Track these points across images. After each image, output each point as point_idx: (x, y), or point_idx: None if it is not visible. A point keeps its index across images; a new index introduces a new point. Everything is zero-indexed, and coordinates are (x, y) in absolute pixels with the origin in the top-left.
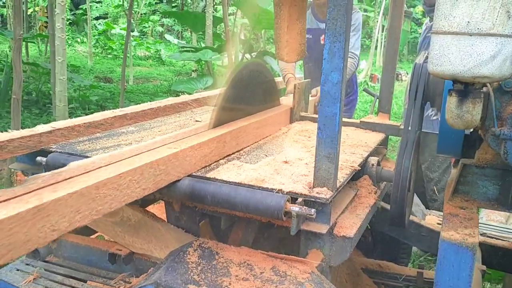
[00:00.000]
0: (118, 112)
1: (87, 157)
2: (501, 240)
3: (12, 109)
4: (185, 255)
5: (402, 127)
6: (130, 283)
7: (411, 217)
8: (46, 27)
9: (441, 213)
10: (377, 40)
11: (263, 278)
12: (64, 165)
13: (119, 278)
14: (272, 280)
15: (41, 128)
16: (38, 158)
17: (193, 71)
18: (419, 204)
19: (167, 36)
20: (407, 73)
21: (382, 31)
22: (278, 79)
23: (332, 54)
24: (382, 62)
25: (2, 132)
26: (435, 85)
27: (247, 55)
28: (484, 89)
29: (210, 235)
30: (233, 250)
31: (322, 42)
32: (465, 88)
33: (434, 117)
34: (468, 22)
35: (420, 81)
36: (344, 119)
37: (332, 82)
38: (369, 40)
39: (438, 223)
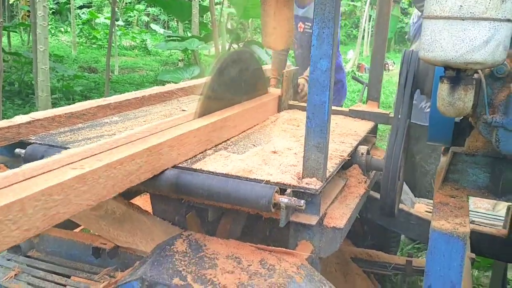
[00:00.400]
0: (101, 101)
1: (68, 148)
2: (490, 227)
3: None
4: (171, 249)
5: (392, 115)
6: (115, 277)
7: (400, 206)
8: (29, 16)
9: (430, 201)
10: (364, 30)
11: (251, 271)
12: (43, 157)
13: (103, 272)
14: (260, 273)
15: (20, 118)
16: (17, 150)
17: (179, 60)
18: (408, 192)
19: (153, 26)
20: (394, 63)
21: (369, 21)
22: (266, 67)
23: (321, 40)
24: (369, 52)
25: None
26: (425, 72)
27: (234, 45)
28: (476, 75)
29: (197, 228)
30: (221, 242)
31: (299, 29)
32: (457, 74)
33: (428, 109)
34: (461, 6)
35: (410, 68)
36: (333, 108)
37: (321, 69)
38: (356, 30)
39: (427, 211)
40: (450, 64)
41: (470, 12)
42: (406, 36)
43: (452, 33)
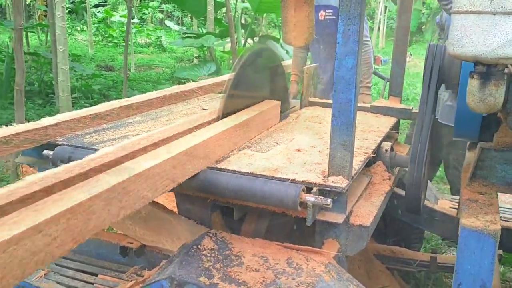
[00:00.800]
0: (123, 102)
1: (94, 149)
2: None
3: (16, 101)
4: (199, 248)
5: (414, 110)
6: (143, 276)
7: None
8: (45, 16)
9: (454, 197)
10: (379, 22)
11: (278, 270)
12: (71, 158)
13: (131, 271)
14: (287, 272)
15: (47, 120)
16: (45, 152)
17: (195, 57)
18: (431, 188)
19: (167, 23)
20: (411, 54)
21: (385, 12)
22: (285, 63)
23: (347, 38)
24: (385, 44)
25: (7, 125)
26: (451, 66)
27: (250, 40)
28: (506, 70)
29: (221, 227)
30: (247, 241)
31: (320, 17)
32: (487, 70)
33: None
34: (492, 0)
35: (434, 62)
36: None
37: (347, 67)
38: (371, 21)
39: (451, 207)
40: (481, 59)
41: (502, 6)
42: (424, 27)
43: (483, 28)
